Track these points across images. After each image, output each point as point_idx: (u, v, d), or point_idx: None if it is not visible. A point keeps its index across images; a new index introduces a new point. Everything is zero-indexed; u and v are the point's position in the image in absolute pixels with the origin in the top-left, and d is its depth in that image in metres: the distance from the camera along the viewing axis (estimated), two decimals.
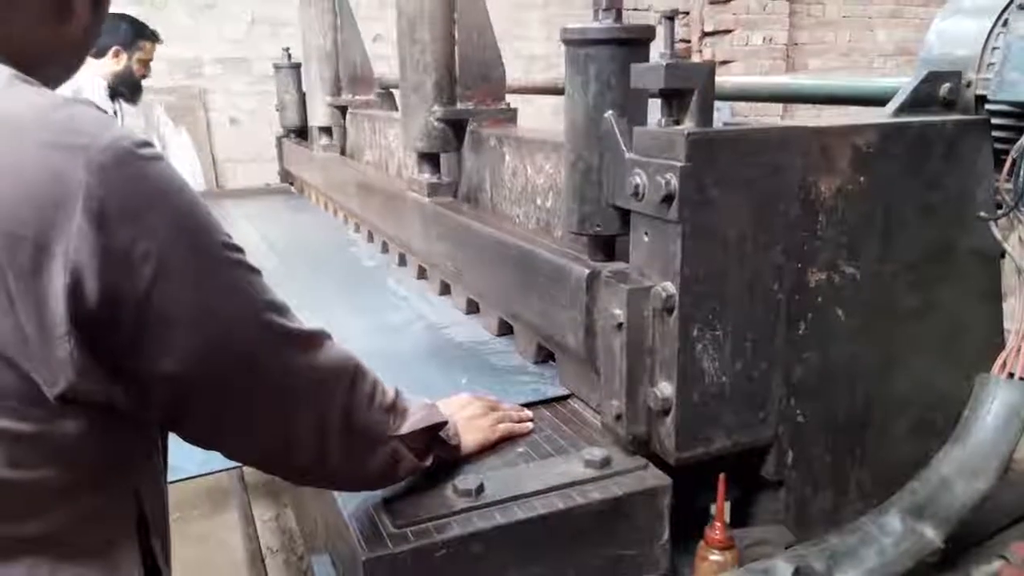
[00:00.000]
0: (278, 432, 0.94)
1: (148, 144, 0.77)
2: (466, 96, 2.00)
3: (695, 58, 5.85)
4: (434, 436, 1.16)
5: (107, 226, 0.70)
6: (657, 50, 1.20)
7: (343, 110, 3.25)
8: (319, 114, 3.31)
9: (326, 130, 3.31)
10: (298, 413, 0.94)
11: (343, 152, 3.28)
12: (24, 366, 0.71)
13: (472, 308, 1.96)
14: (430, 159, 2.06)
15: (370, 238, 2.76)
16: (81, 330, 0.71)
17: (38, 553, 0.79)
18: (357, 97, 3.24)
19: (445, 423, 1.18)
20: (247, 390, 0.88)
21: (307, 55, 3.34)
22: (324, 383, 0.97)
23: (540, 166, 1.64)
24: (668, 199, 1.08)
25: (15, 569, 0.78)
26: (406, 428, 1.09)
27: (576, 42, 1.25)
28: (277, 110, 3.93)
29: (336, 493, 1.16)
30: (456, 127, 2.00)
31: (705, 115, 1.09)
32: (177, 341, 0.78)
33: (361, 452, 1.04)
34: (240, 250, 0.86)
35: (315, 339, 0.95)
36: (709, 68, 1.10)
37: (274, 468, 1.02)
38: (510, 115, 2.05)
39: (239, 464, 1.25)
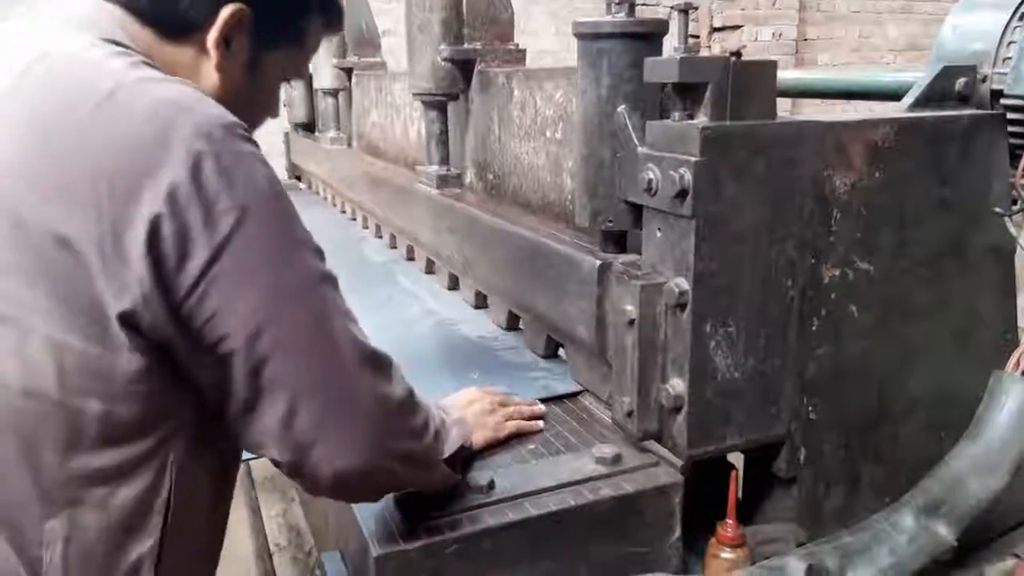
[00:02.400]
0: (316, 443, 0.88)
1: (247, 128, 0.87)
2: (474, 37, 1.94)
3: (703, 54, 5.82)
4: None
5: (200, 177, 0.79)
6: (671, 44, 1.19)
7: (349, 72, 3.24)
8: (325, 76, 3.29)
9: (332, 93, 3.30)
10: (343, 420, 0.90)
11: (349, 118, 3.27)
12: (99, 279, 0.78)
13: (481, 302, 1.95)
14: (437, 106, 2.00)
15: (378, 232, 2.75)
16: (154, 257, 0.78)
17: (64, 500, 0.81)
18: (363, 59, 3.22)
19: (471, 445, 1.20)
20: (290, 379, 0.85)
21: None
22: (389, 415, 0.94)
23: (550, 95, 1.58)
24: (682, 194, 1.07)
25: (37, 511, 0.81)
26: (448, 451, 1.09)
27: (589, 36, 1.24)
28: (284, 106, 3.92)
29: None
30: (463, 68, 1.94)
31: (719, 109, 1.08)
32: (240, 301, 0.81)
33: (416, 481, 1.06)
34: (322, 256, 0.90)
35: (375, 357, 0.94)
36: (724, 62, 1.08)
37: (305, 483, 0.94)
38: (518, 55, 1.97)
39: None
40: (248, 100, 0.94)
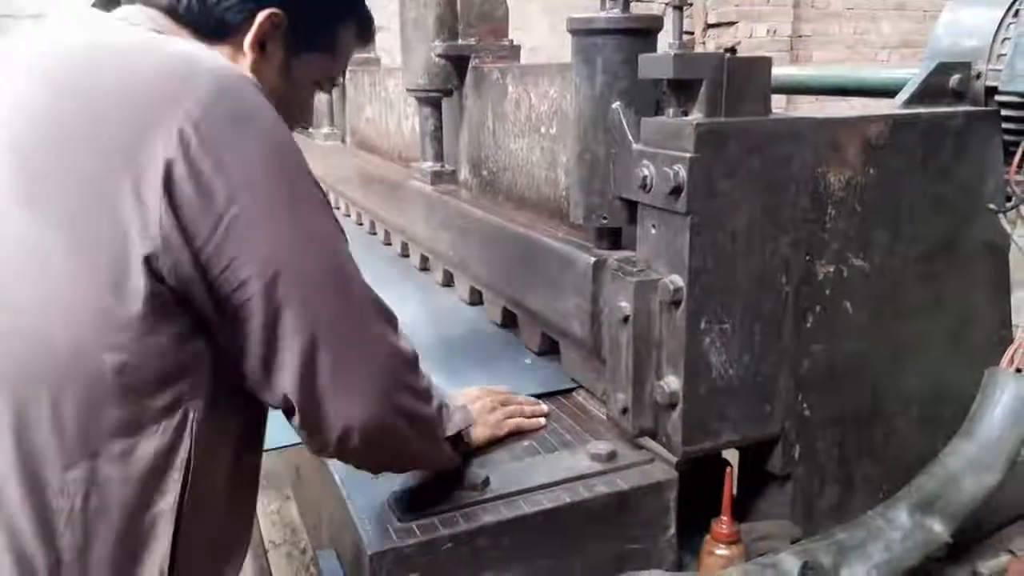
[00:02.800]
0: (330, 394, 0.89)
1: (261, 88, 0.89)
2: (468, 33, 1.93)
3: (698, 50, 5.82)
4: (459, 434, 1.17)
5: (213, 122, 0.81)
6: (665, 40, 1.19)
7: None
8: None
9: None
10: (358, 381, 0.91)
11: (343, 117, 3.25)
12: (125, 222, 0.79)
13: (475, 299, 1.95)
14: (430, 103, 2.00)
15: (372, 228, 2.75)
16: (172, 200, 0.79)
17: (85, 452, 0.81)
18: (357, 55, 3.21)
19: (471, 425, 1.21)
20: (307, 326, 0.86)
21: None
22: (397, 365, 0.96)
23: (544, 92, 1.58)
24: (676, 191, 1.07)
25: (60, 459, 0.81)
26: (451, 430, 1.11)
27: (583, 32, 1.23)
28: None
29: (342, 486, 1.16)
30: (458, 64, 1.93)
31: (714, 106, 1.08)
32: (256, 247, 0.82)
33: (419, 451, 1.06)
34: (327, 197, 0.92)
35: (389, 315, 0.97)
36: (719, 58, 1.08)
37: (315, 439, 0.95)
38: (513, 51, 1.97)
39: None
40: (282, 104, 0.94)
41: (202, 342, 0.86)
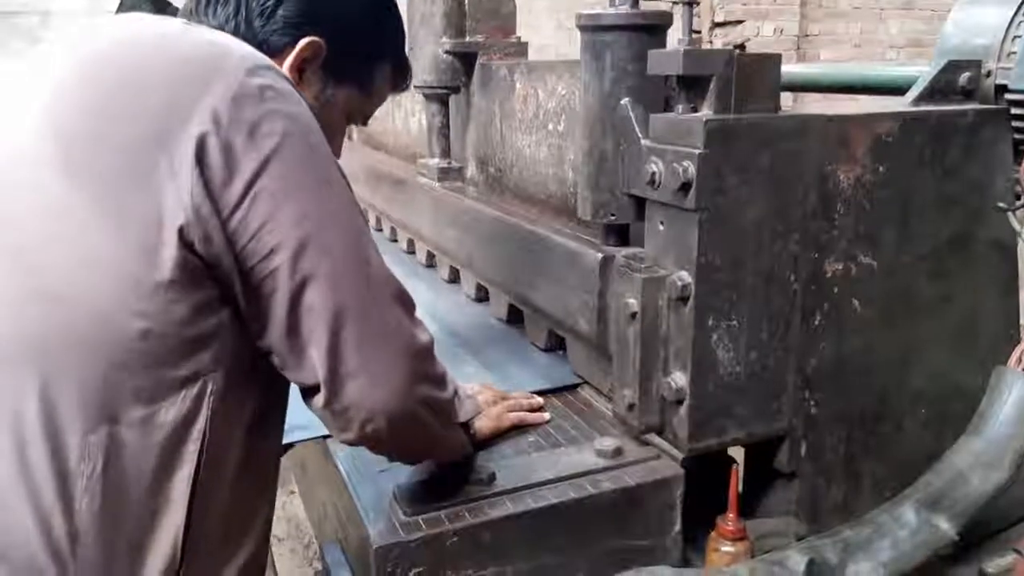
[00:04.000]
0: (357, 371, 0.90)
1: (287, 75, 0.93)
2: (476, 30, 1.94)
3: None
4: (467, 423, 1.19)
5: (244, 101, 0.84)
6: (674, 36, 1.19)
7: None
8: None
9: None
10: (382, 360, 0.92)
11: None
12: (158, 190, 0.81)
13: (481, 295, 1.95)
14: (438, 99, 2.00)
15: (378, 225, 2.75)
16: (203, 171, 0.82)
17: (106, 416, 0.82)
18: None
19: (480, 412, 1.22)
20: (333, 299, 0.88)
21: None
22: (412, 341, 0.97)
23: (552, 89, 1.59)
24: (685, 187, 1.07)
25: (81, 423, 0.82)
26: (463, 417, 1.13)
27: (592, 28, 1.23)
28: None
29: (348, 480, 1.16)
30: (465, 61, 1.94)
31: (723, 102, 1.08)
32: (281, 221, 0.84)
33: (438, 433, 1.06)
34: (350, 185, 0.95)
35: (407, 299, 0.99)
36: (728, 55, 1.08)
37: (339, 421, 0.95)
38: (520, 48, 1.98)
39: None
40: None
41: (226, 314, 0.87)
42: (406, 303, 0.98)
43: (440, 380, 1.05)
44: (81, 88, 0.88)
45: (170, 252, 0.82)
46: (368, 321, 0.91)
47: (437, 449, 1.11)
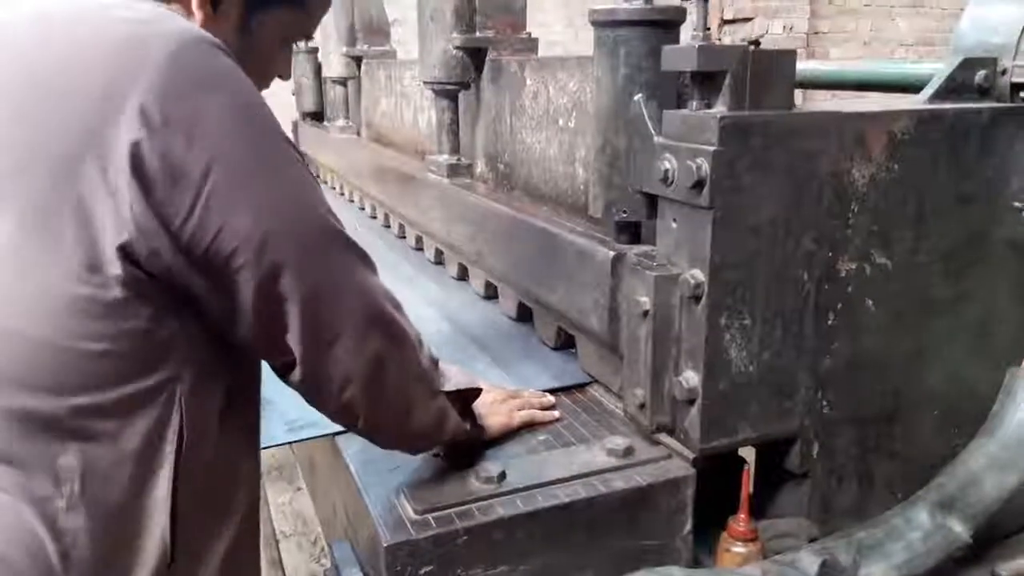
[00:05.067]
0: (329, 344, 0.90)
1: (223, 45, 0.84)
2: (486, 26, 1.92)
3: None
4: (467, 405, 1.16)
5: (176, 93, 0.77)
6: (688, 32, 1.17)
7: (358, 61, 3.22)
8: (335, 65, 3.27)
9: (341, 82, 3.29)
10: (356, 325, 0.92)
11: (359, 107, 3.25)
12: (91, 212, 0.76)
13: (490, 292, 1.94)
14: (447, 95, 1.99)
15: (387, 221, 2.75)
16: (142, 185, 0.76)
17: (75, 437, 0.80)
18: (373, 48, 3.19)
19: (481, 390, 1.19)
20: (302, 285, 0.86)
21: None
22: (378, 304, 0.96)
23: (563, 85, 1.57)
24: (699, 184, 1.06)
25: (49, 449, 0.79)
26: (450, 386, 1.10)
27: (605, 23, 1.22)
28: (293, 95, 3.91)
29: (358, 478, 1.15)
30: (475, 57, 1.92)
31: (738, 99, 1.07)
32: (239, 218, 0.80)
33: (414, 396, 1.04)
34: (301, 154, 0.89)
35: (368, 260, 0.96)
36: (743, 51, 1.07)
37: (323, 392, 0.96)
38: (531, 44, 1.96)
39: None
40: (241, 64, 0.89)
41: (186, 316, 0.85)
42: (367, 262, 0.96)
43: (409, 330, 1.02)
44: (8, 92, 0.81)
45: (114, 271, 0.77)
46: (339, 292, 0.90)
47: (418, 418, 1.06)
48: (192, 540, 0.88)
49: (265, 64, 1.05)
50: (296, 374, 0.93)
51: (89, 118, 0.76)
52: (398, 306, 1.01)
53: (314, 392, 0.97)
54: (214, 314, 0.86)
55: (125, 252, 0.77)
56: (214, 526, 0.93)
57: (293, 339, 0.89)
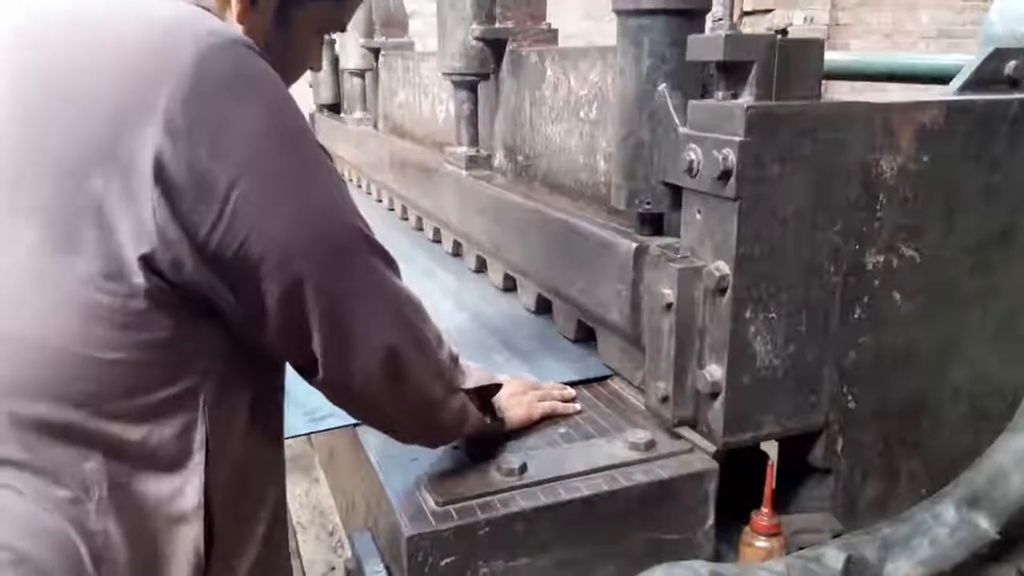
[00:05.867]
0: (355, 346, 0.91)
1: (254, 45, 0.81)
2: (506, 16, 1.91)
3: None
4: (487, 400, 1.16)
5: (203, 101, 0.75)
6: (709, 21, 1.16)
7: (376, 52, 3.21)
8: (352, 56, 3.27)
9: (358, 73, 3.29)
10: (378, 329, 0.92)
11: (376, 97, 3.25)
12: (111, 222, 0.74)
13: (509, 285, 1.93)
14: (466, 86, 1.98)
15: (404, 214, 2.74)
16: (166, 195, 0.74)
17: (99, 444, 0.79)
18: (390, 40, 3.19)
19: (500, 386, 1.19)
20: (329, 291, 0.86)
21: None
22: (401, 306, 0.96)
23: (584, 75, 1.55)
24: (725, 175, 1.04)
25: (73, 455, 0.78)
26: (470, 383, 1.10)
27: (629, 12, 1.21)
28: (310, 86, 3.91)
29: (379, 469, 1.15)
30: (495, 48, 1.91)
31: (764, 89, 1.05)
32: (266, 227, 0.79)
33: (436, 394, 1.04)
34: (330, 156, 0.88)
35: (391, 261, 0.96)
36: (770, 40, 1.05)
37: (345, 392, 0.97)
38: (551, 35, 1.95)
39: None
40: (278, 57, 0.88)
41: (206, 325, 0.84)
42: (390, 263, 0.95)
43: (431, 335, 1.02)
44: (19, 97, 0.79)
45: (137, 281, 0.76)
46: (363, 301, 0.90)
47: (438, 415, 1.06)
48: (224, 547, 0.88)
49: (300, 56, 1.04)
50: (319, 375, 0.92)
51: (113, 125, 0.74)
52: (419, 306, 1.00)
53: (336, 391, 0.97)
54: (238, 321, 0.85)
55: (148, 262, 0.76)
56: (245, 532, 0.93)
57: (317, 343, 0.88)
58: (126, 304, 0.77)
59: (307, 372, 0.94)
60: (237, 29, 0.83)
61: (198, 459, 0.84)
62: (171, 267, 0.77)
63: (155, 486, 0.82)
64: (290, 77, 1.01)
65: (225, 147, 0.76)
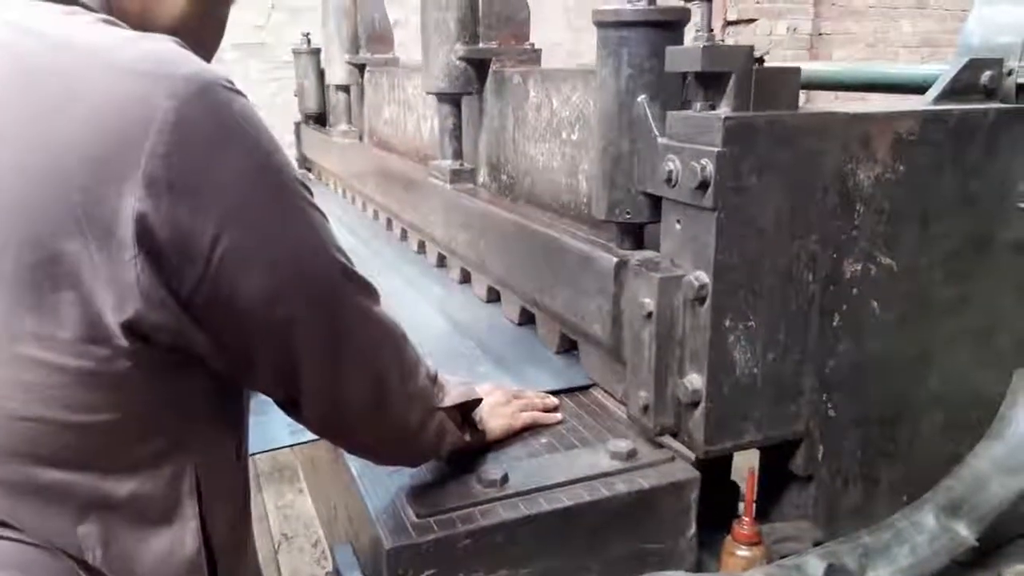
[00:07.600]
0: (342, 381, 0.91)
1: (230, 81, 0.77)
2: (489, 37, 1.92)
3: None
4: (467, 415, 1.16)
5: (184, 155, 0.71)
6: (691, 33, 1.17)
7: (361, 68, 3.21)
8: (337, 72, 3.28)
9: (343, 88, 3.29)
10: (364, 363, 0.93)
11: (360, 114, 3.25)
12: (90, 287, 0.71)
13: (493, 297, 1.93)
14: (450, 101, 1.99)
15: (389, 226, 2.74)
16: (150, 257, 0.71)
17: (90, 505, 0.78)
18: (375, 55, 3.19)
19: (480, 400, 1.18)
20: (316, 333, 0.86)
21: (325, 12, 3.32)
22: (384, 337, 0.96)
23: (567, 97, 1.56)
24: (703, 185, 1.05)
25: (66, 520, 0.77)
26: (449, 401, 1.09)
27: (609, 24, 1.22)
28: (295, 96, 3.90)
29: (360, 481, 1.15)
30: (478, 68, 1.93)
31: (742, 100, 1.06)
32: (252, 279, 0.78)
33: (416, 418, 1.04)
34: (311, 192, 0.86)
35: (373, 291, 0.95)
36: (747, 52, 1.06)
37: (330, 428, 0.98)
38: (534, 56, 1.95)
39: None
40: (192, 32, 0.84)
41: (188, 376, 0.82)
42: (372, 294, 0.94)
43: (409, 367, 1.01)
44: None
45: (118, 344, 0.73)
46: (349, 336, 0.90)
47: (418, 436, 1.06)
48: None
49: (217, 27, 0.98)
50: (303, 409, 0.92)
51: (89, 186, 0.69)
52: (401, 332, 1.00)
53: (320, 424, 0.97)
54: (220, 368, 0.84)
55: (131, 326, 0.73)
56: (241, 556, 0.94)
57: (305, 381, 0.88)
58: (106, 367, 0.74)
59: (290, 406, 0.93)
60: (204, 64, 0.77)
61: (191, 512, 0.84)
62: (154, 328, 0.74)
63: (152, 540, 0.81)
64: (210, 53, 0.97)
65: (207, 201, 0.73)
